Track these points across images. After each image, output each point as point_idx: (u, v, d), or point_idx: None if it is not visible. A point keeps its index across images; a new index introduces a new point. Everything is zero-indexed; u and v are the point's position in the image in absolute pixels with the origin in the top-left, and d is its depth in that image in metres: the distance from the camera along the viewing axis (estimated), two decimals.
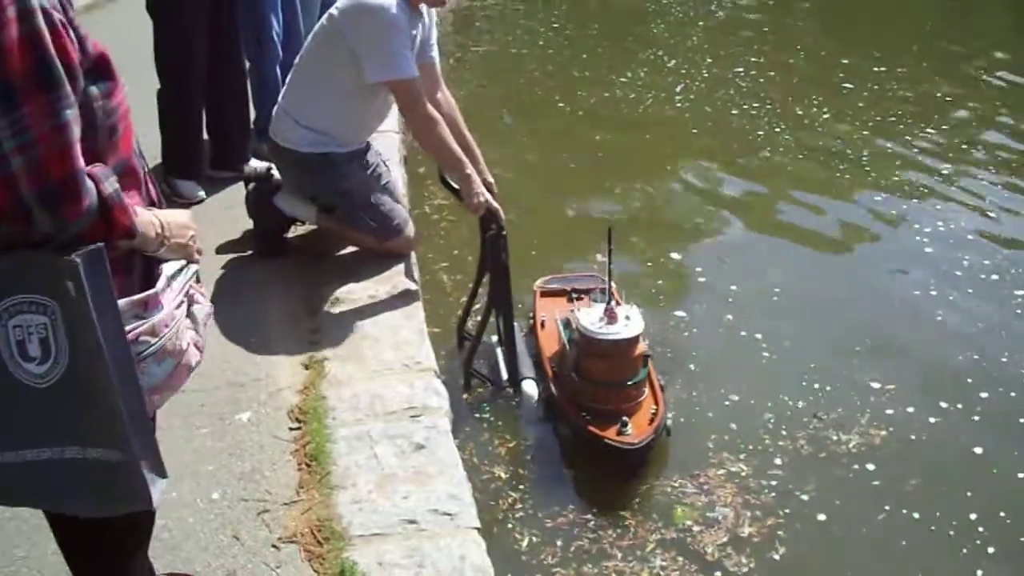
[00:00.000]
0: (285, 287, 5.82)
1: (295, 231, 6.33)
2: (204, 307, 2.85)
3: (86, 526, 2.71)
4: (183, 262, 2.74)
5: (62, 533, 2.95)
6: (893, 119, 10.16)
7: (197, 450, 4.49)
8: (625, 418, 5.26)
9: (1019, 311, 6.78)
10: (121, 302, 2.46)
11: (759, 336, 6.46)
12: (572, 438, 5.49)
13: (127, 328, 2.47)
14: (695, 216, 8.33)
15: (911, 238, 7.88)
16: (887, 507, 5.04)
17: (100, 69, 2.49)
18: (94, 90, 2.46)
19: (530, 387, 5.76)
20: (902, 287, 7.16)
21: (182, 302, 2.69)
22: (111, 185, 2.42)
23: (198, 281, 2.86)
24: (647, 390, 5.54)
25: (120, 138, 2.56)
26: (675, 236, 7.94)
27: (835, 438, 5.49)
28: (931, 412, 5.73)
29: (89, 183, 2.36)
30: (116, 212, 2.43)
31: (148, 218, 2.59)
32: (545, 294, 6.52)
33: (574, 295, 6.42)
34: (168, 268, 2.67)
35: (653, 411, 5.41)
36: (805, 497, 5.10)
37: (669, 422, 5.49)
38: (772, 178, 8.96)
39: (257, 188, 6.20)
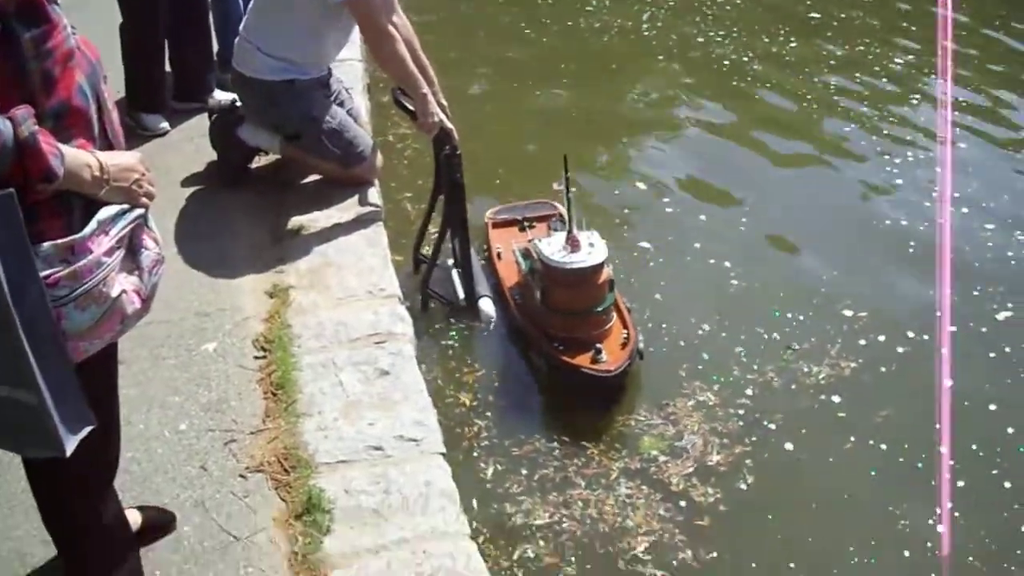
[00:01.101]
0: (249, 217, 5.77)
1: (259, 161, 6.27)
2: (151, 253, 2.77)
3: (49, 464, 2.68)
4: (124, 206, 2.66)
5: (28, 470, 2.94)
6: (861, 48, 10.05)
7: (164, 381, 4.48)
8: (599, 345, 5.26)
9: (991, 243, 6.73)
10: (45, 245, 2.42)
11: (728, 264, 6.40)
12: (546, 369, 5.47)
13: (47, 272, 2.43)
14: (661, 146, 8.23)
15: (881, 167, 7.79)
16: (853, 438, 5.05)
17: (30, 13, 2.42)
18: (24, 34, 2.40)
19: (487, 305, 5.78)
20: (872, 215, 7.11)
21: (116, 248, 2.62)
22: (28, 128, 2.34)
23: (148, 225, 2.79)
24: (615, 315, 5.53)
25: (58, 80, 2.48)
26: (640, 166, 7.86)
27: (805, 369, 5.49)
28: (901, 342, 5.72)
29: (6, 125, 2.31)
30: (31, 155, 2.37)
31: (84, 160, 2.53)
32: (497, 225, 6.49)
33: (526, 224, 6.40)
34: (103, 212, 2.60)
35: (624, 336, 5.41)
36: (772, 426, 5.10)
37: (641, 345, 5.48)
38: (739, 107, 8.85)
39: (220, 119, 6.13)
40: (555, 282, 5.38)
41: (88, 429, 2.56)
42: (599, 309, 5.38)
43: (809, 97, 8.97)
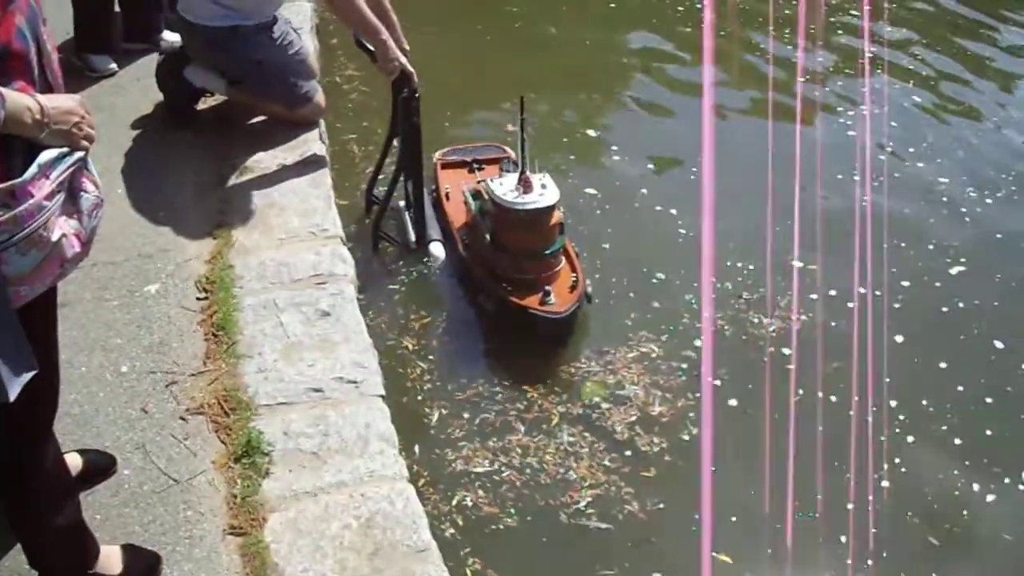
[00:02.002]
0: (195, 158, 5.75)
1: (205, 102, 6.24)
2: (91, 196, 2.74)
3: None
4: (64, 149, 2.63)
5: None
6: None
7: (107, 323, 4.48)
8: (548, 287, 5.27)
9: (945, 198, 6.73)
10: None
11: (674, 212, 6.37)
12: (493, 311, 5.47)
13: None
14: (612, 93, 8.18)
15: (833, 119, 7.75)
16: (801, 390, 5.04)
17: None
18: None
19: (437, 248, 5.78)
20: (826, 166, 6.98)
21: (57, 192, 2.60)
22: None
23: (87, 168, 2.78)
24: (564, 259, 5.54)
25: None
26: (589, 113, 7.80)
27: (755, 321, 5.48)
28: (851, 297, 5.69)
29: None
30: None
31: (24, 103, 2.50)
32: (446, 166, 6.46)
33: (475, 166, 6.39)
34: (44, 156, 2.58)
35: (573, 279, 5.42)
36: (717, 382, 5.08)
37: (589, 289, 5.49)
38: (691, 52, 8.76)
39: (168, 60, 6.12)
40: (506, 223, 5.38)
41: (31, 374, 2.55)
42: (549, 251, 5.39)
43: (762, 47, 8.87)
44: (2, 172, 2.50)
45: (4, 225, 2.46)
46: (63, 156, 2.63)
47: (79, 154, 2.69)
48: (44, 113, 2.55)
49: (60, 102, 2.63)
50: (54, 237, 2.60)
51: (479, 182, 5.83)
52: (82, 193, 2.72)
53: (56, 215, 2.61)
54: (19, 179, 2.50)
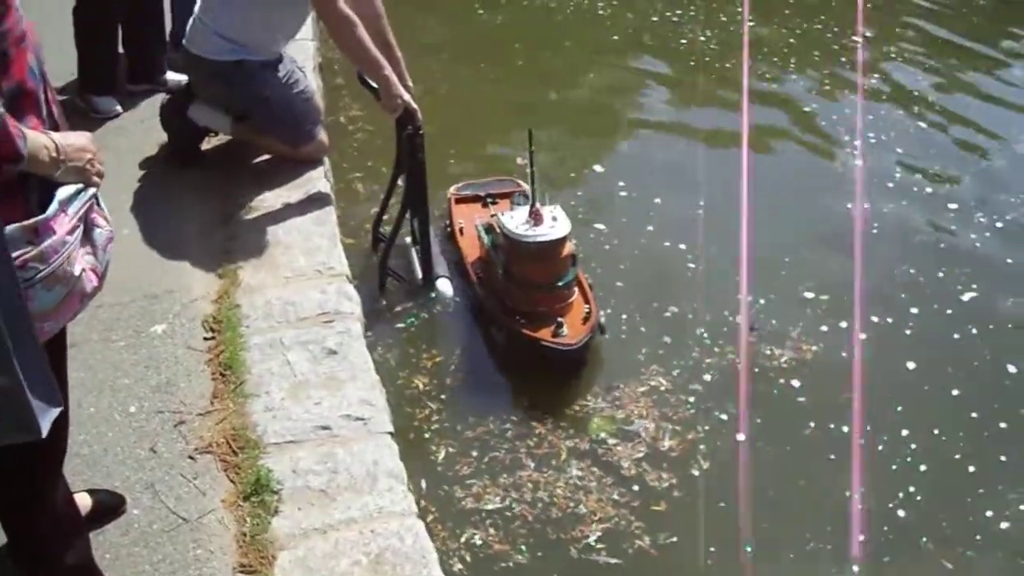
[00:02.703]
0: (200, 197, 5.79)
1: (209, 142, 6.28)
2: (104, 231, 2.79)
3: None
4: (79, 186, 2.68)
5: None
6: (819, 26, 10.04)
7: (114, 364, 4.50)
8: (560, 319, 5.28)
9: (954, 226, 6.71)
10: (10, 228, 2.43)
11: (683, 247, 6.37)
12: (506, 343, 5.49)
13: (16, 254, 2.43)
14: (617, 127, 8.22)
15: (842, 148, 7.76)
16: (812, 423, 5.03)
17: None
18: None
19: (444, 285, 5.81)
20: (833, 198, 7.05)
21: (76, 227, 2.64)
22: None
23: (99, 204, 2.82)
24: (577, 290, 5.55)
25: (13, 61, 2.51)
26: (595, 148, 7.84)
27: (767, 352, 5.47)
28: (864, 326, 5.68)
29: None
30: (1, 137, 2.41)
31: (42, 141, 2.56)
32: (460, 200, 6.48)
33: (489, 200, 6.41)
34: (62, 192, 2.62)
35: (586, 311, 5.43)
36: (724, 417, 5.07)
37: (602, 321, 5.51)
38: (696, 87, 8.79)
39: (171, 100, 6.16)
40: (518, 255, 5.40)
41: (59, 410, 2.57)
42: (561, 283, 5.41)
43: (768, 76, 8.95)
44: (22, 210, 2.54)
45: (31, 261, 2.49)
46: (79, 192, 2.68)
47: (93, 190, 2.74)
48: (60, 151, 2.60)
49: (73, 139, 2.69)
50: (76, 271, 2.63)
51: (492, 216, 5.86)
52: (95, 228, 2.77)
53: (76, 250, 2.65)
54: (41, 216, 2.54)
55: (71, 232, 2.62)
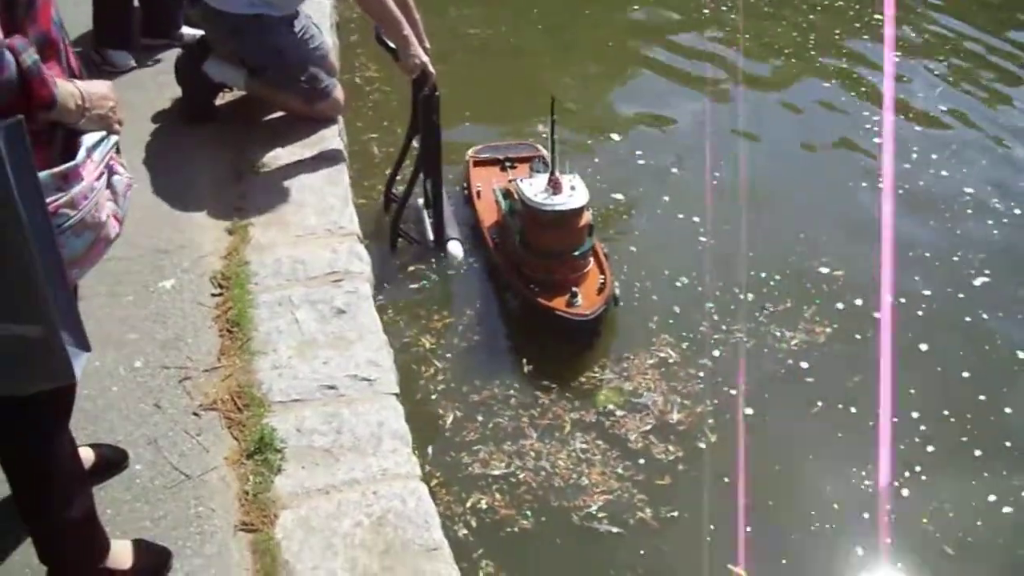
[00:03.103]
0: (212, 154, 5.80)
1: (223, 98, 6.29)
2: (123, 178, 2.82)
3: (6, 404, 2.70)
4: (103, 133, 2.72)
5: None
6: (841, 3, 9.98)
7: (121, 318, 4.52)
8: (575, 289, 5.29)
9: (970, 210, 6.65)
10: (42, 175, 2.44)
11: (696, 220, 6.37)
12: (520, 310, 5.51)
13: (48, 200, 2.46)
14: (636, 96, 8.16)
15: (861, 123, 7.70)
16: (820, 403, 5.02)
17: None
18: None
19: (456, 248, 5.84)
20: (848, 173, 7.03)
21: (102, 173, 2.68)
22: (30, 57, 2.41)
23: (118, 152, 2.85)
24: (592, 261, 5.57)
25: (39, 10, 2.54)
26: (614, 116, 7.81)
27: (777, 334, 5.45)
28: (878, 306, 5.68)
29: (8, 55, 2.36)
30: (35, 84, 2.44)
31: (68, 89, 2.59)
32: (478, 163, 6.49)
33: (508, 164, 6.43)
34: (88, 139, 2.66)
35: (601, 281, 5.43)
36: (733, 392, 5.07)
37: (617, 291, 5.52)
38: (717, 60, 8.71)
39: (186, 55, 6.16)
40: (535, 223, 5.41)
41: (88, 355, 2.59)
42: (577, 252, 5.42)
43: (787, 51, 8.89)
44: (50, 158, 2.57)
45: (62, 208, 2.53)
46: (102, 140, 2.72)
47: (115, 137, 2.78)
48: (85, 99, 2.64)
49: (96, 87, 2.72)
50: (103, 217, 2.67)
51: (510, 181, 5.86)
52: (115, 175, 2.80)
53: (102, 196, 2.69)
54: (71, 162, 2.57)
55: (98, 178, 2.66)
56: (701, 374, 5.16)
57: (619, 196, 6.58)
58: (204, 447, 3.89)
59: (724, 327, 5.49)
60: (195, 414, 4.04)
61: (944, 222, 6.54)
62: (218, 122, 6.13)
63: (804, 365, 5.27)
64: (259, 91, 6.07)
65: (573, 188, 5.42)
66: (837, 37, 9.17)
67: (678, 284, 5.80)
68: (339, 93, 6.13)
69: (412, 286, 5.64)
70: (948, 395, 5.15)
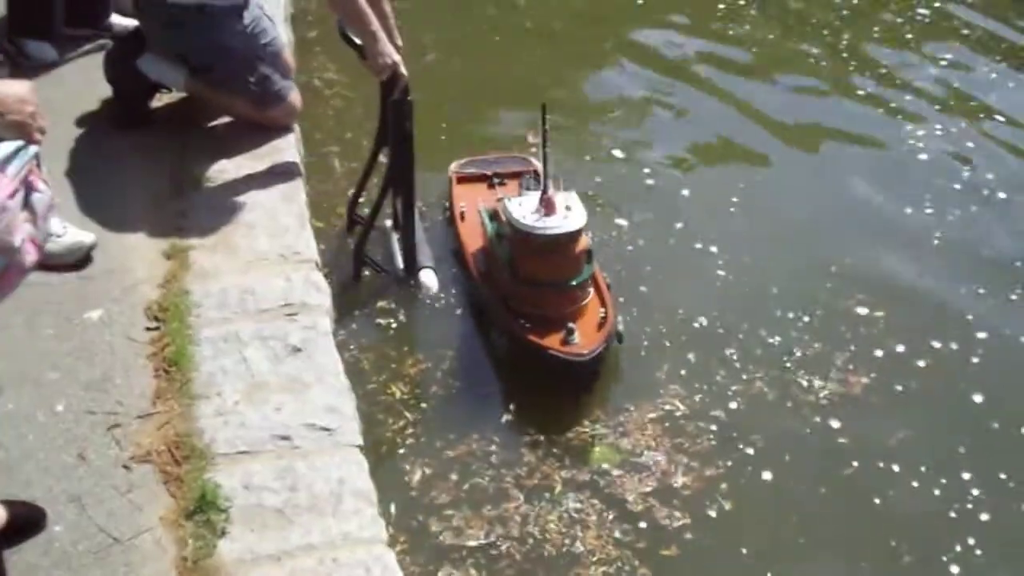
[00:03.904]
0: (147, 165, 5.79)
1: (160, 99, 6.28)
2: (45, 196, 2.80)
3: None
4: (20, 143, 2.69)
5: None
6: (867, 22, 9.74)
7: (40, 354, 4.52)
8: (571, 324, 5.27)
9: None
10: None
11: (714, 250, 6.36)
12: (507, 349, 5.50)
13: None
14: (640, 106, 8.14)
15: (899, 142, 7.71)
16: (855, 463, 5.01)
17: None
18: None
19: (429, 278, 5.84)
20: (886, 198, 7.03)
21: (16, 191, 2.66)
22: None
23: (39, 165, 2.83)
24: (592, 291, 5.55)
25: None
26: (617, 128, 7.80)
27: (805, 384, 5.44)
28: (923, 353, 5.65)
29: None
30: None
31: None
32: (462, 179, 6.50)
33: (496, 180, 6.44)
34: (1, 150, 2.65)
35: (602, 315, 5.42)
36: (750, 451, 5.06)
37: (620, 327, 5.49)
38: (731, 64, 8.76)
39: (117, 48, 6.16)
40: (525, 249, 5.41)
41: None
42: (574, 282, 5.41)
43: (815, 62, 8.89)
44: None
45: None
46: (19, 150, 2.71)
47: (35, 148, 2.76)
48: None
49: (11, 89, 2.70)
50: (16, 242, 2.66)
51: (498, 200, 5.87)
52: (35, 192, 2.79)
53: (16, 217, 2.68)
54: None
55: (11, 196, 2.64)
56: (713, 428, 5.16)
57: (622, 221, 6.59)
58: (136, 505, 3.89)
59: (745, 376, 5.48)
60: (126, 467, 4.03)
61: (1001, 250, 6.52)
62: (154, 128, 6.13)
63: (834, 423, 5.25)
64: (202, 93, 6.07)
65: (568, 208, 5.42)
66: (870, 50, 9.18)
67: (696, 325, 5.80)
68: (295, 97, 6.14)
69: (379, 322, 5.64)
70: (1009, 455, 5.11)
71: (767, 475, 4.97)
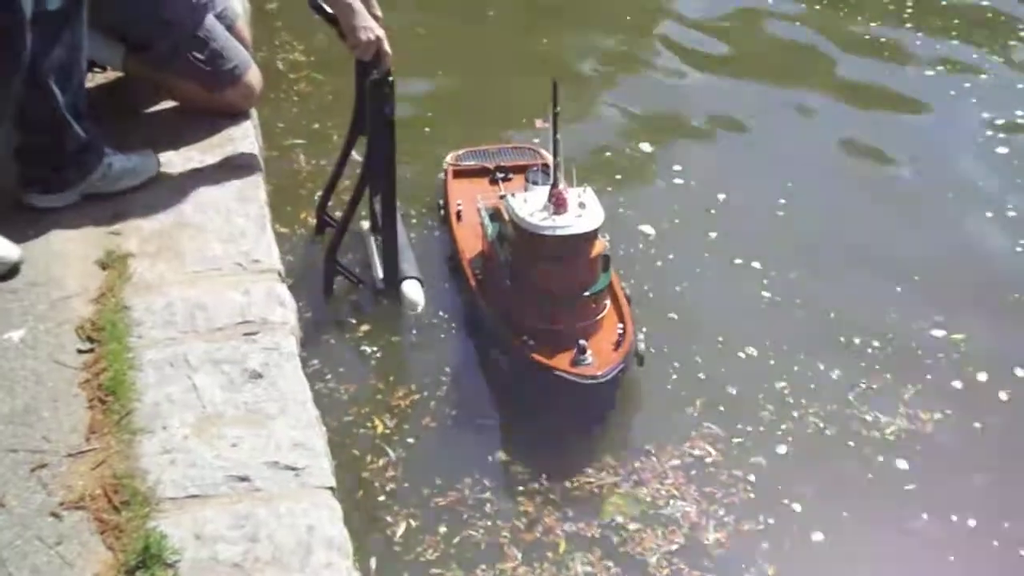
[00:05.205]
0: None
1: (93, 79, 6.31)
2: None
3: None
4: None
5: None
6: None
7: None
8: (583, 342, 5.32)
9: None
10: None
11: (757, 265, 6.47)
12: (509, 372, 5.57)
13: None
14: (669, 92, 8.26)
15: (974, 140, 7.85)
16: (924, 515, 5.08)
17: None
18: None
19: (413, 290, 5.92)
20: (955, 200, 7.13)
21: None
22: None
23: None
24: (608, 304, 5.61)
25: None
26: (641, 118, 7.91)
27: (868, 419, 5.50)
28: (1007, 383, 5.71)
29: None
30: None
31: None
32: (459, 174, 6.60)
33: (499, 175, 6.55)
34: None
35: (620, 332, 5.48)
36: (797, 507, 5.12)
37: (641, 346, 5.54)
38: (786, 51, 8.91)
39: None
40: (531, 253, 5.47)
41: None
42: (588, 293, 5.47)
43: (887, 44, 9.03)
44: None
45: None
46: None
47: None
48: None
49: None
50: None
51: (501, 197, 5.94)
52: None
53: None
54: None
55: None
56: (752, 478, 5.22)
57: (648, 229, 6.69)
58: (66, 560, 3.91)
59: (796, 413, 5.54)
60: (54, 515, 4.05)
61: None
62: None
63: (902, 465, 5.33)
64: (143, 72, 6.12)
65: (583, 206, 5.46)
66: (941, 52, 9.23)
67: (741, 355, 5.86)
68: (252, 77, 6.15)
69: (354, 343, 5.74)
70: None
71: (818, 535, 5.01)
